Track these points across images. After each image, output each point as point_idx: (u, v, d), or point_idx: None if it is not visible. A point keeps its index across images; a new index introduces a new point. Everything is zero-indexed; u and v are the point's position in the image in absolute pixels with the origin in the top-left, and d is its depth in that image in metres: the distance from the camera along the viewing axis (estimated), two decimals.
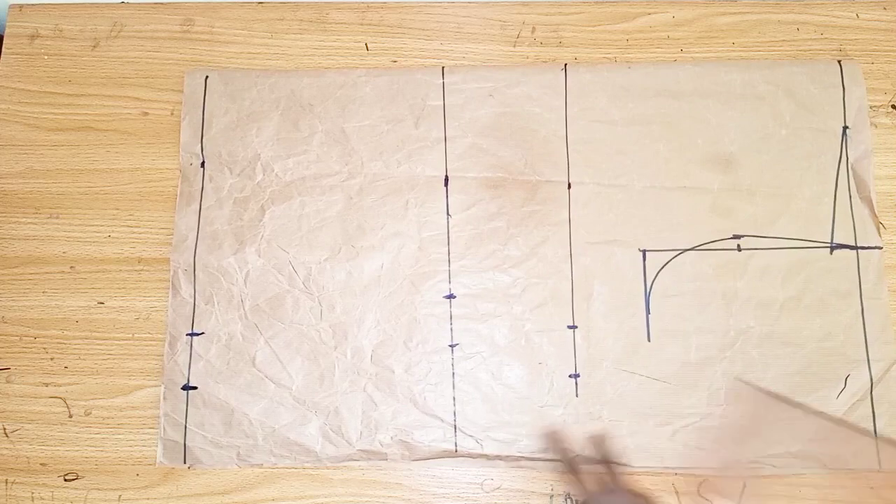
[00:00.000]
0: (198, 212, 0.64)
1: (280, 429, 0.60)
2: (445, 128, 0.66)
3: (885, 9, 0.69)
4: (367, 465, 0.60)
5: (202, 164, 0.65)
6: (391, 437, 0.60)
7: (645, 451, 0.59)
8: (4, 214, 0.65)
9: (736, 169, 0.65)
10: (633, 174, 0.65)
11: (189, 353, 0.62)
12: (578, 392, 0.61)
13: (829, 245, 0.63)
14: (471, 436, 0.60)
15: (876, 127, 0.66)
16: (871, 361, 0.61)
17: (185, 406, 0.61)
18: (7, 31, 0.70)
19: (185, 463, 0.60)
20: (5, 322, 0.63)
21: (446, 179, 0.65)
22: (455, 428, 0.60)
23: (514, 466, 0.59)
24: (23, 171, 0.66)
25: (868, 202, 0.64)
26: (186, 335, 0.62)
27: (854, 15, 0.69)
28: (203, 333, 0.62)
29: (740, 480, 0.58)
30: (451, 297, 0.63)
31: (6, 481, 0.60)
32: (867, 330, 0.61)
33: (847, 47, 0.68)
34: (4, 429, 0.61)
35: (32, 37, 0.69)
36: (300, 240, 0.64)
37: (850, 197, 0.64)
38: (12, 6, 0.70)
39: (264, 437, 0.60)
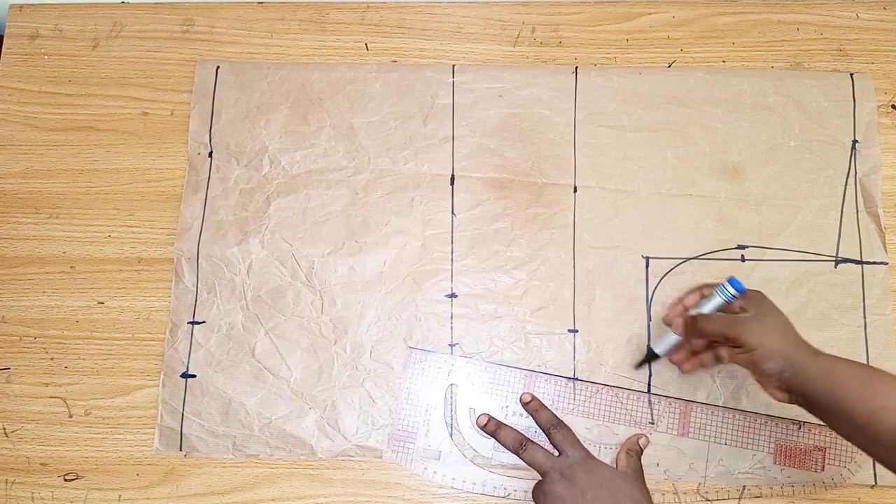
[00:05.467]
0: (203, 201, 0.65)
1: (276, 420, 0.60)
2: (453, 127, 0.66)
3: (885, 9, 0.69)
4: (366, 464, 0.60)
5: (210, 154, 0.66)
6: (388, 434, 0.60)
7: (644, 458, 0.59)
8: (4, 214, 0.65)
9: (743, 179, 0.64)
10: (639, 180, 0.65)
11: (189, 341, 0.62)
12: (576, 393, 0.61)
13: (833, 259, 0.63)
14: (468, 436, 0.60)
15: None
16: None
17: (183, 394, 0.61)
18: (7, 31, 0.70)
19: (181, 450, 0.60)
20: (5, 322, 0.63)
21: (452, 178, 0.65)
22: (453, 427, 0.60)
23: (512, 467, 0.59)
24: (23, 171, 0.66)
25: (875, 217, 0.63)
26: (188, 323, 0.62)
27: (854, 15, 0.69)
28: (204, 322, 0.62)
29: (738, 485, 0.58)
30: (452, 296, 0.63)
31: (6, 481, 0.60)
32: (869, 346, 0.61)
33: (847, 47, 0.68)
34: (4, 429, 0.61)
35: (32, 37, 0.69)
36: (304, 233, 0.64)
37: (857, 211, 0.64)
38: (12, 6, 0.70)
39: (260, 428, 0.60)
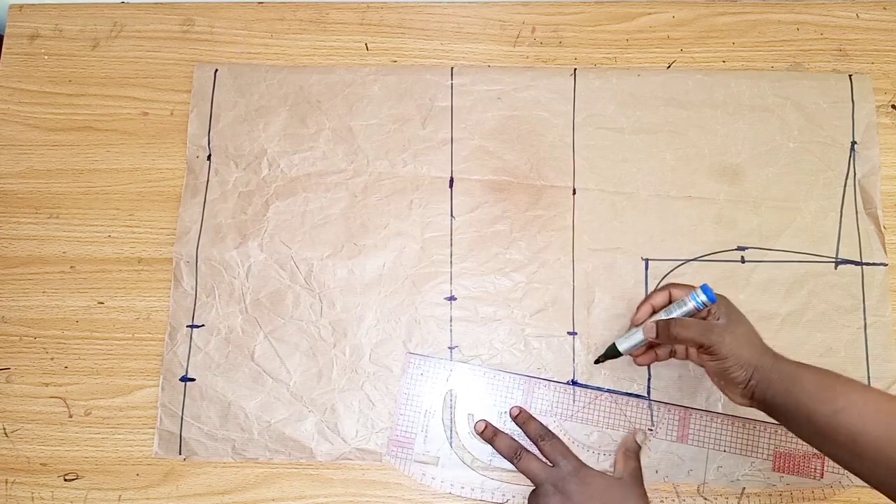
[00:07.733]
0: (202, 204, 0.64)
1: (276, 424, 0.60)
2: (452, 129, 0.66)
3: (885, 9, 0.69)
4: (366, 464, 0.60)
5: (208, 157, 0.66)
6: (387, 437, 0.60)
7: (642, 463, 0.59)
8: (4, 214, 0.65)
9: (742, 180, 0.64)
10: (638, 182, 0.64)
11: (188, 344, 0.62)
12: (576, 399, 0.61)
13: (833, 260, 0.63)
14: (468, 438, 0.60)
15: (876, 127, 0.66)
16: (871, 379, 0.61)
17: (182, 397, 0.61)
18: (7, 31, 0.70)
19: (180, 454, 0.60)
20: (5, 322, 0.63)
21: (451, 181, 0.65)
22: (451, 433, 0.60)
23: (510, 472, 0.59)
24: (23, 171, 0.66)
25: (874, 218, 0.63)
26: (187, 327, 0.62)
27: (854, 15, 0.69)
28: (203, 326, 0.62)
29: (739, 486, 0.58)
30: (451, 298, 0.63)
31: (6, 481, 0.60)
32: (869, 347, 0.61)
33: (847, 47, 0.68)
34: (4, 429, 0.61)
35: (32, 37, 0.69)
36: (303, 236, 0.64)
37: (857, 212, 0.64)
38: (12, 6, 0.70)
39: (260, 431, 0.60)
